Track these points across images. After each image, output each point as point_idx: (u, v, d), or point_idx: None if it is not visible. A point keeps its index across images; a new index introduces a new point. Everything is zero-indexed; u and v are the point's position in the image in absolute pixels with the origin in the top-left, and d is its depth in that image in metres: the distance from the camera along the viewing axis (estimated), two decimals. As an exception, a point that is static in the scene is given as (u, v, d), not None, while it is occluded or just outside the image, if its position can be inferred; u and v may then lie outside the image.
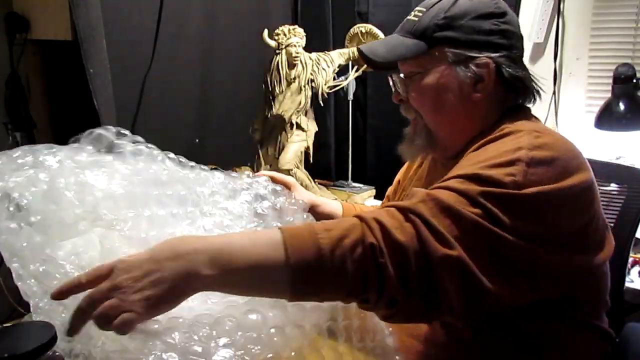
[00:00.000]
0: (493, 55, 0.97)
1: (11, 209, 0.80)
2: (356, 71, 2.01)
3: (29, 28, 1.54)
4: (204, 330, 0.73)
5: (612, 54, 2.18)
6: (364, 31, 1.93)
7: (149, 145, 0.98)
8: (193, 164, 1.01)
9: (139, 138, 0.98)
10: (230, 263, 0.73)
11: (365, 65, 1.83)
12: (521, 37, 1.03)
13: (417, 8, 1.04)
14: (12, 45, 1.54)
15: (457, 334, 0.96)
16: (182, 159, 1.00)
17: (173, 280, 0.70)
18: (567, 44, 2.25)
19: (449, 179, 0.85)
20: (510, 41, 0.99)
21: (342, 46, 2.01)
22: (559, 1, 2.20)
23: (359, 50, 1.10)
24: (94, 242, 0.81)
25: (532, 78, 1.03)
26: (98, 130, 0.94)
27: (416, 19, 1.02)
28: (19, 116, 1.58)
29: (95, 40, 1.46)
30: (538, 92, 1.04)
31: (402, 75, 1.05)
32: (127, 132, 0.97)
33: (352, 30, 1.96)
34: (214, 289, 0.75)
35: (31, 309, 0.78)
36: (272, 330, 0.77)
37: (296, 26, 1.91)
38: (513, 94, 1.01)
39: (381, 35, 1.89)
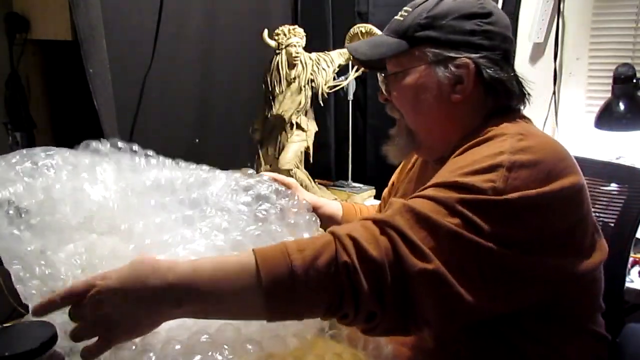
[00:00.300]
0: (473, 56, 0.96)
1: (10, 212, 0.81)
2: (356, 71, 2.01)
3: (29, 28, 1.54)
4: (177, 347, 0.74)
5: (612, 54, 2.18)
6: (364, 31, 1.92)
7: (148, 152, 0.98)
8: (194, 166, 1.01)
9: (137, 147, 0.98)
10: (201, 295, 0.73)
11: (365, 65, 1.83)
12: (507, 38, 1.00)
13: (405, 8, 1.03)
14: (12, 45, 1.54)
15: (446, 340, 0.94)
16: (182, 163, 1.00)
17: (142, 318, 0.72)
18: (567, 44, 2.25)
19: (428, 186, 0.85)
20: (492, 42, 0.97)
21: (342, 46, 2.01)
22: (559, 1, 2.20)
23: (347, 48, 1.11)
24: (91, 246, 0.82)
25: (519, 80, 1.01)
26: (94, 144, 0.95)
27: (401, 18, 1.02)
28: (19, 116, 1.58)
29: (95, 40, 1.46)
30: (525, 94, 1.01)
31: (384, 74, 1.05)
32: (123, 143, 0.97)
33: (352, 30, 1.95)
34: (187, 318, 0.76)
35: (30, 311, 0.78)
36: (249, 346, 0.78)
37: (296, 26, 1.91)
38: (493, 96, 0.99)
39: (381, 35, 1.89)
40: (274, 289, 0.73)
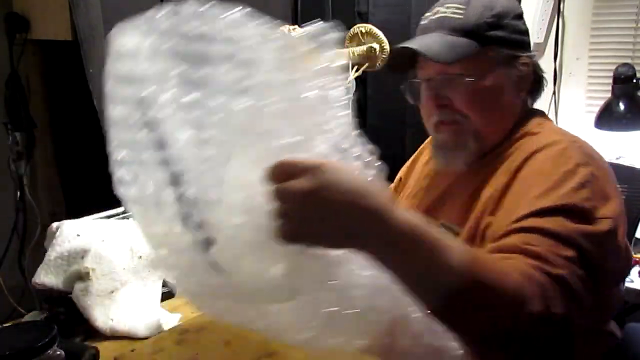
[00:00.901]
0: (529, 54, 1.00)
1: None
2: (356, 71, 2.01)
3: (29, 28, 1.54)
4: (361, 293, 0.67)
5: (612, 54, 2.18)
6: (364, 31, 1.92)
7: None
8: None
9: None
10: (404, 246, 0.64)
11: (365, 65, 1.82)
12: None
13: (451, 4, 0.97)
14: (12, 45, 1.54)
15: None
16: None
17: (335, 229, 0.62)
18: (567, 44, 2.25)
19: (528, 215, 0.81)
20: (530, 41, 1.02)
21: (342, 46, 2.01)
22: (559, 1, 2.20)
23: (400, 48, 0.98)
24: None
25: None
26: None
27: (459, 16, 0.96)
28: (19, 116, 1.58)
29: (95, 40, 1.46)
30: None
31: (445, 76, 0.97)
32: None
33: (352, 30, 1.95)
34: (371, 255, 0.65)
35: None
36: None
37: (296, 26, 1.90)
38: (535, 93, 1.03)
39: (381, 35, 1.88)
40: (462, 299, 0.66)
